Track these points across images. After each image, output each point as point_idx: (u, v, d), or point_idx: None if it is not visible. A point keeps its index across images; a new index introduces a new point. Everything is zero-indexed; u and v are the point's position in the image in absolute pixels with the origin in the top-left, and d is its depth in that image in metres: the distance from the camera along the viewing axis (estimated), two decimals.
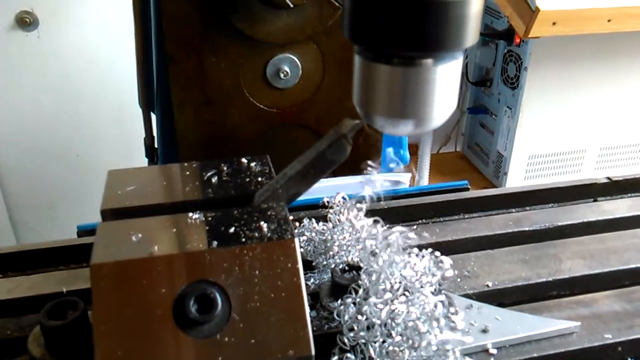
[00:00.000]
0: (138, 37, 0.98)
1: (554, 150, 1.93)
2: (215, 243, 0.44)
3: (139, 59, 1.01)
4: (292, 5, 0.87)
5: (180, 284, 0.42)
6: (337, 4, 0.92)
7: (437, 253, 0.52)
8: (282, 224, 0.46)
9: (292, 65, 0.98)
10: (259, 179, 0.53)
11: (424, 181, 1.90)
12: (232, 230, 0.46)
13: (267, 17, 0.91)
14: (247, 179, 0.53)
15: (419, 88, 0.43)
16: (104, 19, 1.81)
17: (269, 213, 0.48)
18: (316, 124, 1.05)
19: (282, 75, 0.98)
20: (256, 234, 0.45)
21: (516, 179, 1.94)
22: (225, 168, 0.55)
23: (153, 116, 1.08)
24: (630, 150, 2.03)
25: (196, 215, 0.48)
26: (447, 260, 0.52)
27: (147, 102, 1.05)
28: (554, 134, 1.88)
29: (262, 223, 0.46)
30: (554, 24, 1.52)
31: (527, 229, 0.70)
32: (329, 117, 1.04)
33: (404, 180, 1.18)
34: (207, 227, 0.47)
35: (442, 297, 0.49)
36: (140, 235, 0.45)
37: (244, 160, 0.57)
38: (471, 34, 0.40)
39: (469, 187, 1.07)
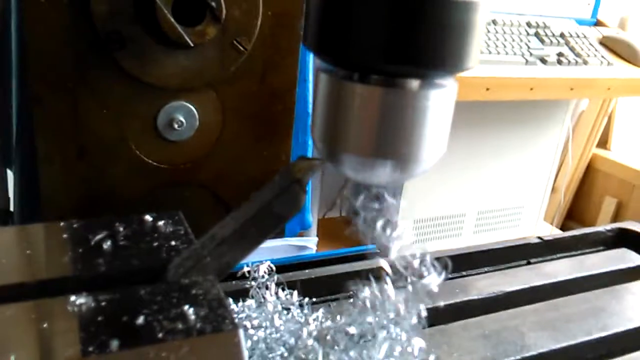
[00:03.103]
0: None
1: (437, 214, 1.96)
2: (114, 343, 0.29)
3: None
4: (192, 44, 0.75)
5: None
6: (241, 47, 0.82)
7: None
8: (215, 307, 0.32)
9: (188, 114, 0.85)
10: (173, 243, 0.39)
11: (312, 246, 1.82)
12: (140, 320, 0.31)
13: (161, 57, 0.78)
14: (155, 244, 0.39)
15: (404, 117, 0.32)
16: None
17: (193, 292, 0.33)
18: (214, 183, 0.91)
19: (175, 126, 0.84)
20: (179, 325, 0.31)
21: (402, 243, 1.93)
22: (121, 229, 0.40)
23: (9, 173, 0.88)
24: (504, 214, 2.13)
25: (82, 299, 0.32)
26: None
27: (1, 155, 0.84)
28: (436, 199, 1.92)
29: (185, 307, 0.32)
30: None
31: (475, 297, 0.61)
32: (228, 175, 0.91)
33: (311, 245, 1.08)
34: (100, 317, 0.31)
35: None
36: None
37: (147, 217, 0.42)
38: (474, 52, 0.31)
39: (379, 251, 0.99)
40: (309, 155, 1.11)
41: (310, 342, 0.38)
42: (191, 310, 0.32)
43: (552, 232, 2.23)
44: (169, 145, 0.85)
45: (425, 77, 0.32)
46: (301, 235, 1.13)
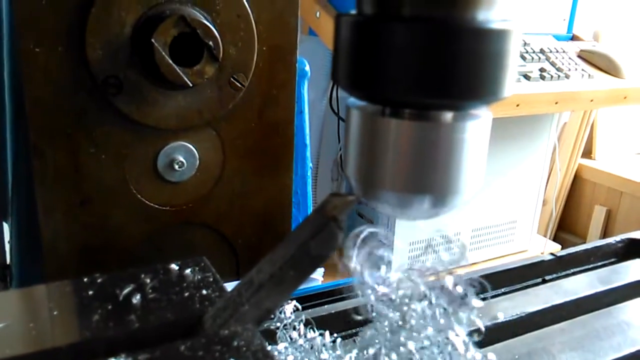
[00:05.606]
0: None
1: (432, 234, 1.96)
2: None
3: None
4: (191, 85, 0.74)
5: None
6: (238, 84, 0.82)
7: None
8: (261, 359, 0.31)
9: (188, 154, 0.84)
10: (204, 292, 0.38)
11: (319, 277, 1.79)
12: None
13: (159, 99, 0.77)
14: (186, 294, 0.37)
15: (442, 150, 0.32)
16: None
17: (235, 343, 0.32)
18: (217, 222, 0.90)
19: (176, 167, 0.83)
20: None
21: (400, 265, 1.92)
22: (148, 280, 0.39)
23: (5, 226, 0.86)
24: (498, 230, 2.13)
25: None
26: None
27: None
28: (430, 220, 1.91)
29: None
30: None
31: (500, 320, 0.60)
32: (230, 213, 0.90)
33: (316, 276, 1.06)
34: None
35: None
36: None
37: (173, 266, 0.41)
38: (509, 79, 0.31)
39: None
40: (309, 185, 1.11)
41: None
42: None
43: (546, 244, 2.23)
44: (171, 186, 0.84)
45: (461, 109, 0.31)
46: None
